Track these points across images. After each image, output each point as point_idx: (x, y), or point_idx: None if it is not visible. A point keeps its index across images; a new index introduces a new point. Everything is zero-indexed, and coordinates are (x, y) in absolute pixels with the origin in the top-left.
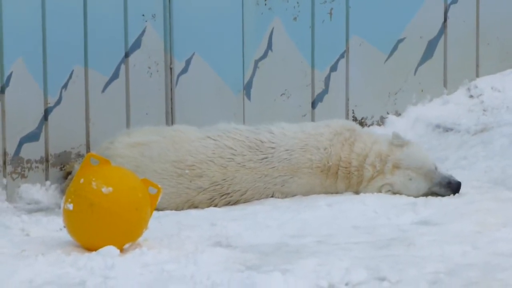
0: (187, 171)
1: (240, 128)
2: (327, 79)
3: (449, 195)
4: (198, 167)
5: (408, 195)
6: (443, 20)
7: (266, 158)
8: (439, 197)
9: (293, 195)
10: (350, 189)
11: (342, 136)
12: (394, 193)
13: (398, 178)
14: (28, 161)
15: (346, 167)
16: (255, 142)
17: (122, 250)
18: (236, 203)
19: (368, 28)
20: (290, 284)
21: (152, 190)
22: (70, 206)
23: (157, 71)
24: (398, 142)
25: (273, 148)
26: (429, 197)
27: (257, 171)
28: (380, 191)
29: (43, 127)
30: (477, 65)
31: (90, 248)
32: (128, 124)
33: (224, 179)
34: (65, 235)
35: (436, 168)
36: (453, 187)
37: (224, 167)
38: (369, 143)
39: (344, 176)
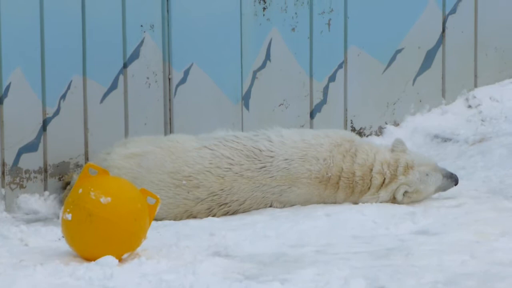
0: (184, 182)
1: (238, 135)
2: (326, 89)
3: (452, 187)
4: (195, 178)
5: (425, 192)
6: (441, 30)
7: (264, 167)
8: (438, 207)
9: (291, 205)
10: (352, 198)
11: (342, 147)
12: (411, 192)
13: (414, 176)
14: (27, 171)
15: (348, 178)
16: (253, 150)
17: (120, 260)
18: (234, 213)
19: (367, 38)
20: None
21: (150, 200)
22: (69, 216)
23: (156, 81)
24: (402, 147)
25: (271, 157)
26: (428, 207)
27: (255, 180)
28: (394, 194)
29: (42, 137)
30: (476, 75)
31: (88, 258)
32: (126, 134)
33: (222, 189)
34: (63, 245)
35: None
36: (455, 178)
37: (221, 177)
38: (371, 153)
39: (346, 186)
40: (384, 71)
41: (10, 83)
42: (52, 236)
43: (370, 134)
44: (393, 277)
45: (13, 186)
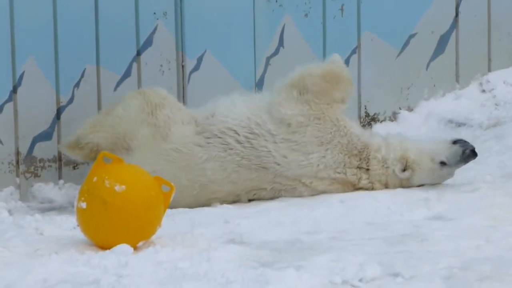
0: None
1: (232, 127)
2: None
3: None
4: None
5: None
6: (454, 15)
7: (295, 132)
8: (452, 192)
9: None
10: None
11: None
12: None
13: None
14: (41, 160)
15: None
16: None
17: (135, 248)
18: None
19: (380, 23)
20: (304, 281)
21: (165, 188)
22: (83, 205)
23: (169, 69)
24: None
25: (301, 126)
26: (442, 192)
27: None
28: None
29: (56, 126)
30: (489, 60)
31: (103, 246)
32: None
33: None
34: (78, 233)
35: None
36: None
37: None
38: None
39: None
40: (398, 56)
41: (23, 72)
42: (67, 225)
43: (384, 120)
44: (408, 263)
45: (27, 175)
